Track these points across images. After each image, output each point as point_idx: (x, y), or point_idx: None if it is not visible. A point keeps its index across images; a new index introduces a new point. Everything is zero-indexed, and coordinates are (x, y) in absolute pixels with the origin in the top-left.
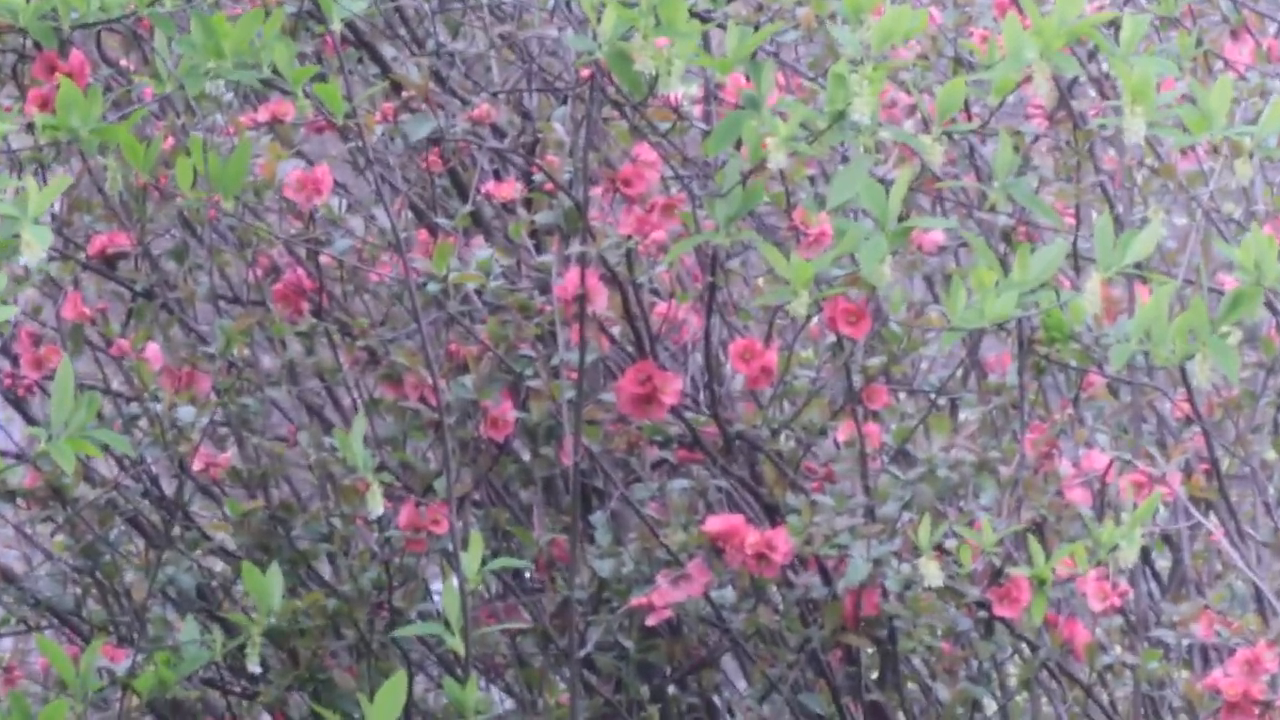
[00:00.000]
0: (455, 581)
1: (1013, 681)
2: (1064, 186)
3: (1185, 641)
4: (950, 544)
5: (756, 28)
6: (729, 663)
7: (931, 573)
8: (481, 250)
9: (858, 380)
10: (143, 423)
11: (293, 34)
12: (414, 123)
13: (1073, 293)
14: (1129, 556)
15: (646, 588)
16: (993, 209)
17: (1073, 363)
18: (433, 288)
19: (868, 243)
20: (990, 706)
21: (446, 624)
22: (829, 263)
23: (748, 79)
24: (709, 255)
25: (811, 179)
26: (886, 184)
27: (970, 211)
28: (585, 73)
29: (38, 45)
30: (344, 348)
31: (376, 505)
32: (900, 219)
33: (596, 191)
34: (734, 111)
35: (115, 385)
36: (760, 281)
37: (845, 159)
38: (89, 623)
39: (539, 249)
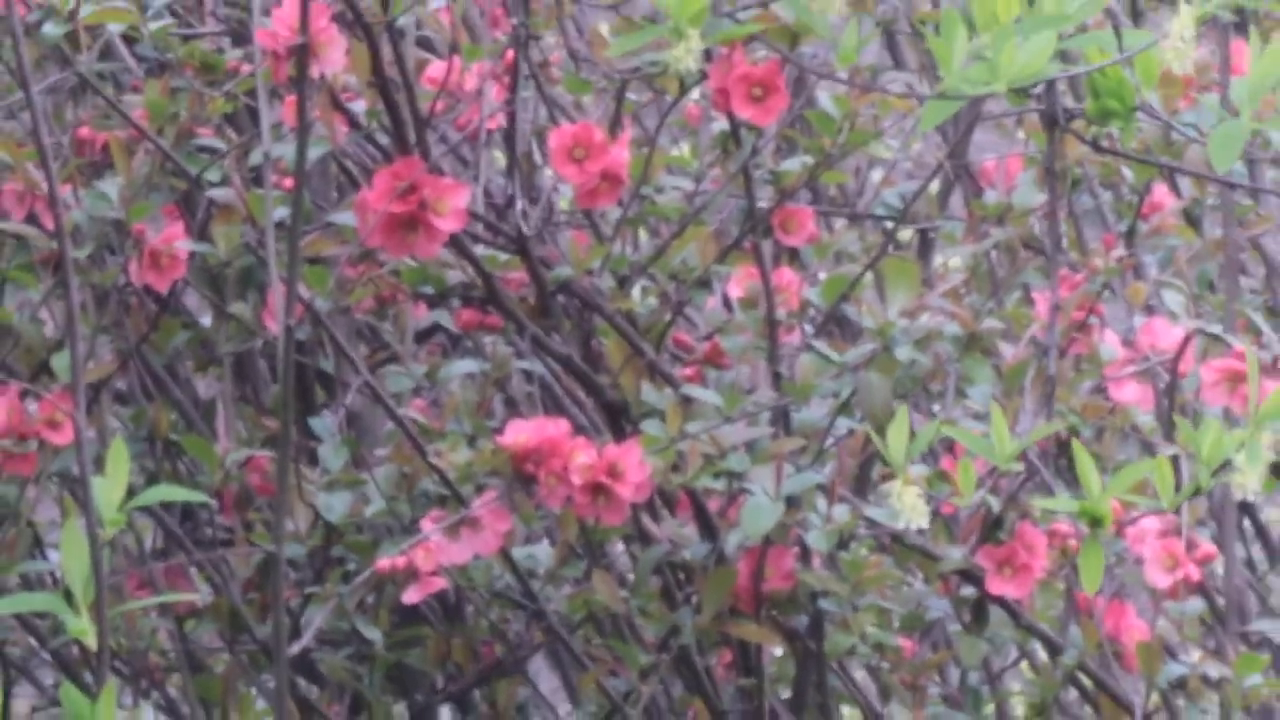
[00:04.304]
0: (83, 525)
1: (1018, 706)
2: None
3: None
4: (916, 472)
5: None
6: (541, 668)
7: (911, 504)
8: None
9: (765, 197)
10: None
11: None
12: None
13: (1144, 33)
14: (1251, 478)
15: (405, 541)
16: None
17: (1125, 158)
18: (52, 30)
19: None
20: None
21: (68, 596)
22: None
23: None
24: None
25: None
26: None
27: None
28: None
29: None
30: None
31: None
32: None
33: None
34: None
35: None
36: (604, 28)
37: None
38: None
39: None
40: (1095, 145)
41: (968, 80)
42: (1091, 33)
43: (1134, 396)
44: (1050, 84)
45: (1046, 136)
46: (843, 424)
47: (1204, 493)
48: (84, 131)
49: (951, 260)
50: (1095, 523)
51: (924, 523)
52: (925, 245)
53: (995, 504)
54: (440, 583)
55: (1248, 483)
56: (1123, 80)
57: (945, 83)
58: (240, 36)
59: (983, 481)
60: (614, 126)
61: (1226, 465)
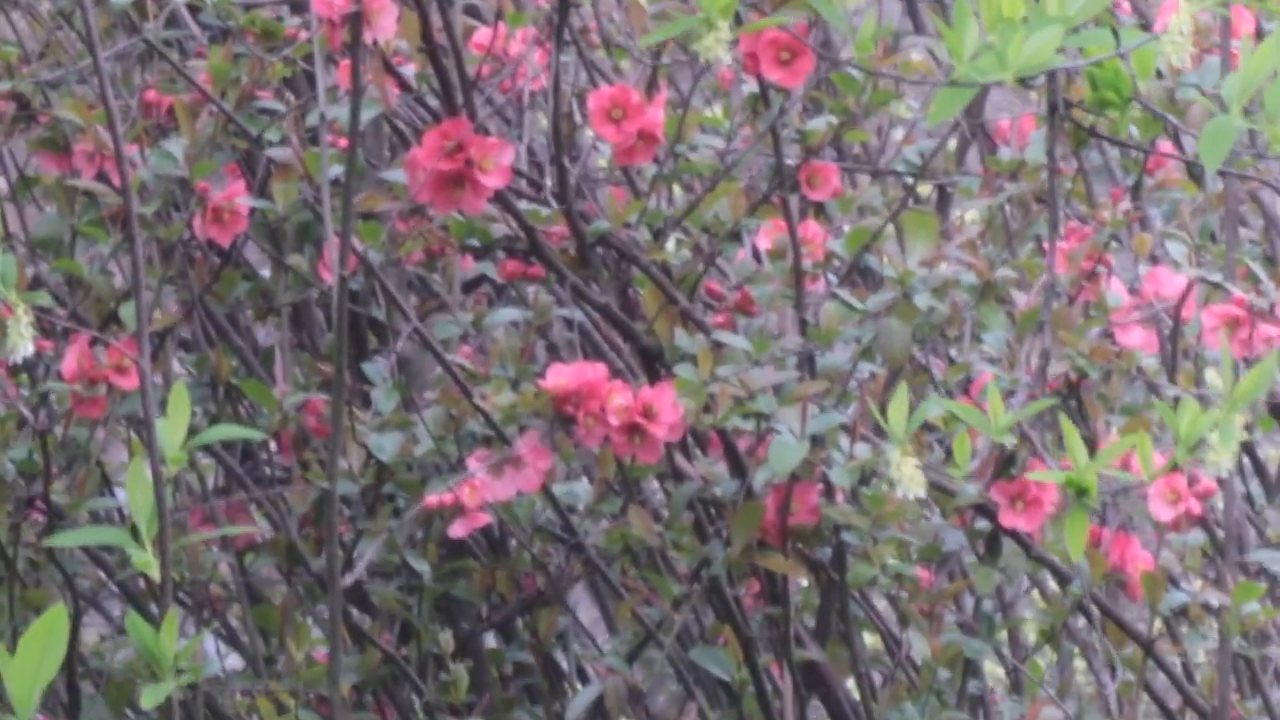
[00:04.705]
0: (148, 465)
1: (1029, 632)
2: None
3: None
4: (934, 415)
5: None
6: (580, 598)
7: (909, 474)
8: None
9: (792, 154)
10: None
11: None
12: None
13: (1144, 33)
14: (1224, 457)
15: (451, 478)
16: None
17: (1134, 131)
18: None
19: None
20: (993, 671)
21: (134, 531)
22: None
23: None
24: None
25: None
26: None
27: None
28: None
29: None
30: None
31: (24, 342)
32: None
33: None
34: None
35: None
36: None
37: None
38: None
39: None
40: (1093, 132)
41: (977, 70)
42: (1091, 32)
43: (1139, 341)
44: (1051, 74)
45: (1047, 123)
46: (865, 367)
47: (1181, 469)
48: (151, 95)
49: (968, 213)
50: (1081, 492)
51: (921, 492)
52: (943, 199)
53: (1009, 445)
54: (485, 518)
55: (1221, 461)
56: (1120, 73)
57: (956, 72)
58: (298, 5)
59: None
60: (650, 88)
61: (1202, 443)
